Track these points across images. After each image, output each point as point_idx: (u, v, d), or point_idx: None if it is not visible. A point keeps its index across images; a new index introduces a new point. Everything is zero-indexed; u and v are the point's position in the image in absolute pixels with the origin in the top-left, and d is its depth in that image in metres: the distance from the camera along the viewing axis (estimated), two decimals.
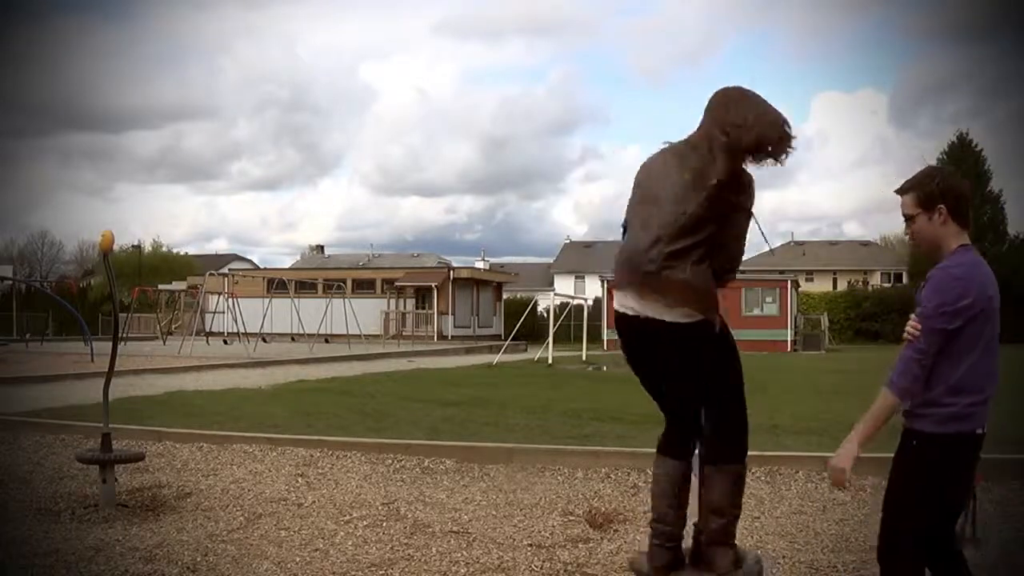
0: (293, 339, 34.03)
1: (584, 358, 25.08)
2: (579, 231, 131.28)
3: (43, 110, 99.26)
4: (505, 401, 12.15)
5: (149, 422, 9.44)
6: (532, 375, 19.04)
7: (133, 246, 63.54)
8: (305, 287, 39.47)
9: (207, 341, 31.49)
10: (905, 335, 3.03)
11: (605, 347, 35.54)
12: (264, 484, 6.79)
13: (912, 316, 3.06)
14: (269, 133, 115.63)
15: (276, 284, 38.04)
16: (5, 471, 7.30)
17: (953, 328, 2.96)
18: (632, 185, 3.73)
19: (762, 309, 35.85)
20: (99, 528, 5.46)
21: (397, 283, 43.20)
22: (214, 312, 34.48)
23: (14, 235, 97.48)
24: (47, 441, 8.73)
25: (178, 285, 41.12)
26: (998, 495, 6.13)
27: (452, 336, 41.72)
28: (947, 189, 3.11)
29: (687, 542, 3.85)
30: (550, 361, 23.44)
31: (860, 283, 54.94)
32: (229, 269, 44.06)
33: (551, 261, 77.12)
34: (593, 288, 50.22)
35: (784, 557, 4.81)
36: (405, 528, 5.45)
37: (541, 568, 4.65)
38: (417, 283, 43.78)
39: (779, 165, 3.50)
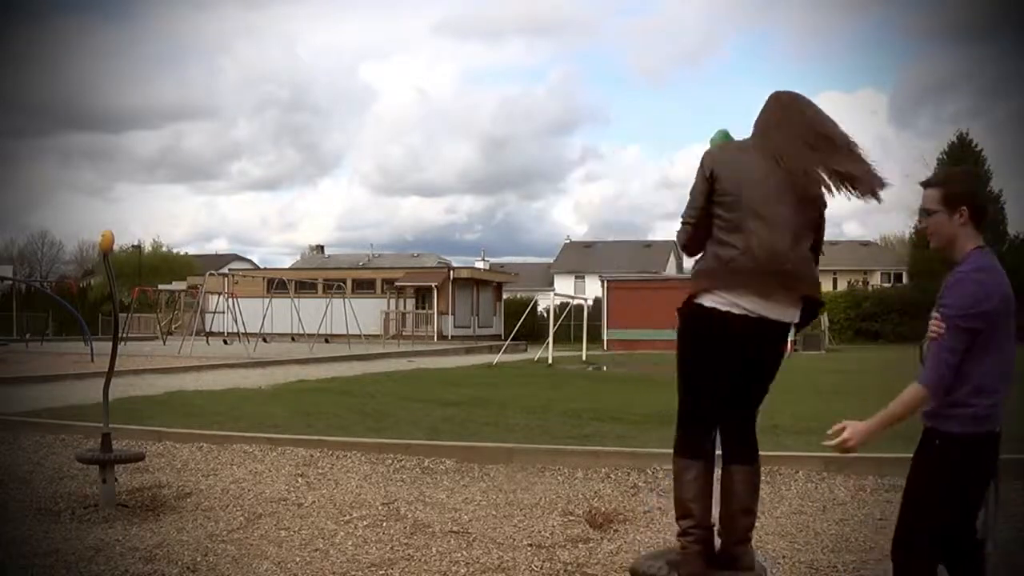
0: (293, 339, 34.03)
1: (584, 358, 25.08)
2: (579, 231, 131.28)
3: (43, 110, 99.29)
4: (505, 401, 12.15)
5: (149, 422, 9.44)
6: (532, 375, 19.04)
7: (133, 246, 63.57)
8: (305, 287, 39.48)
9: (207, 341, 31.49)
10: (930, 333, 3.06)
11: (605, 347, 35.57)
12: (264, 484, 6.79)
13: (934, 314, 3.08)
14: (269, 133, 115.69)
15: (276, 284, 38.05)
16: (5, 471, 7.30)
17: (978, 329, 3.01)
18: (704, 184, 3.66)
19: None
20: (99, 528, 5.46)
21: (397, 283, 43.20)
22: (214, 312, 34.48)
23: (14, 235, 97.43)
24: (47, 441, 8.73)
25: (178, 285, 41.13)
26: (1000, 494, 6.12)
27: (452, 336, 41.72)
28: (973, 193, 3.19)
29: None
30: (550, 361, 23.44)
31: (860, 283, 54.93)
32: (229, 269, 44.06)
33: (551, 261, 77.11)
34: (593, 288, 50.20)
35: (784, 557, 4.81)
36: (405, 528, 5.45)
37: (541, 568, 4.65)
38: (417, 283, 43.78)
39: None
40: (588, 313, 30.09)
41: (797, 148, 3.63)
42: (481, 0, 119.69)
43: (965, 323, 3.00)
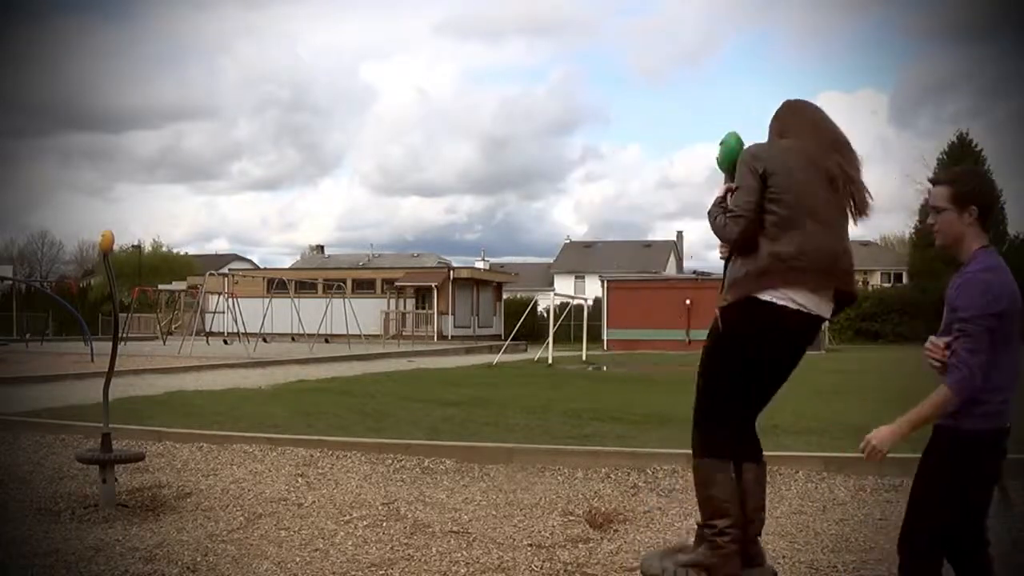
0: (293, 339, 34.04)
1: (584, 358, 25.07)
2: (579, 231, 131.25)
3: (43, 110, 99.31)
4: (505, 401, 12.14)
5: (149, 422, 9.44)
6: (532, 375, 19.04)
7: (133, 246, 63.58)
8: (305, 287, 39.48)
9: (207, 341, 31.49)
10: (931, 363, 3.09)
11: (605, 347, 35.56)
12: (264, 484, 6.78)
13: (930, 340, 3.12)
14: (269, 133, 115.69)
15: (276, 284, 38.06)
16: (5, 471, 7.29)
17: (993, 329, 3.03)
18: (756, 181, 3.71)
19: None
20: (99, 528, 5.46)
21: (397, 283, 43.21)
22: (214, 312, 34.49)
23: (14, 235, 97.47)
24: (47, 441, 8.73)
25: (178, 285, 41.14)
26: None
27: (452, 336, 41.72)
28: (983, 193, 3.19)
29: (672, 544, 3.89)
30: (550, 361, 23.43)
31: (860, 283, 54.95)
32: (229, 269, 44.07)
33: (551, 261, 77.13)
34: (593, 288, 50.20)
35: (784, 557, 4.81)
36: (405, 528, 5.45)
37: (541, 568, 4.65)
38: (417, 283, 43.79)
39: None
40: (588, 313, 30.09)
41: (836, 155, 3.81)
42: (481, 0, 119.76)
43: (983, 323, 3.02)
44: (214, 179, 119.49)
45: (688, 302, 34.01)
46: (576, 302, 34.71)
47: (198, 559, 4.77)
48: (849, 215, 3.82)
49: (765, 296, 3.66)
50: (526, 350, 31.66)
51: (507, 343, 29.65)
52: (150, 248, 69.66)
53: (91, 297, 49.78)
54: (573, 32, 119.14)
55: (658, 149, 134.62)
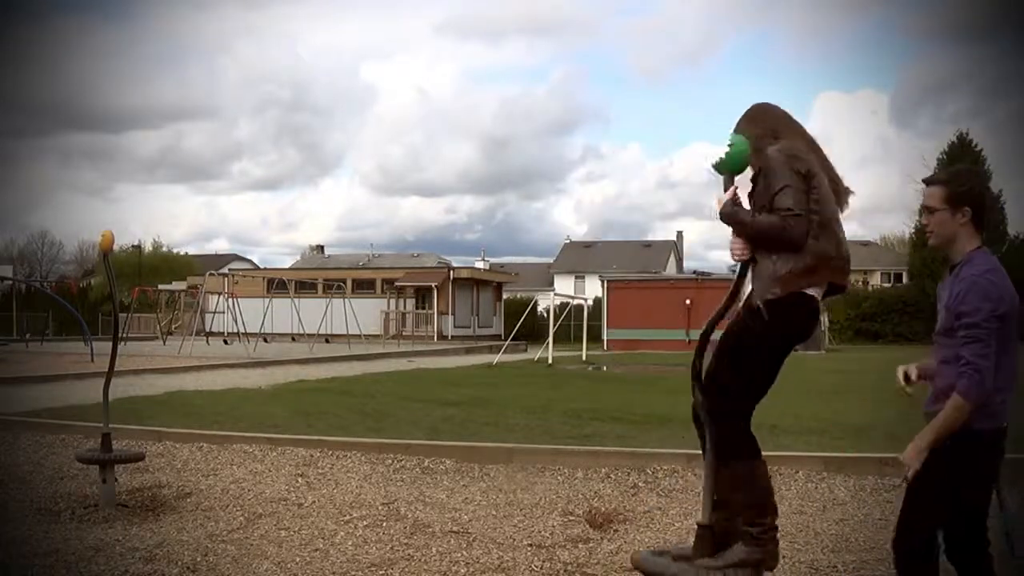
0: (293, 339, 34.04)
1: (584, 358, 25.07)
2: (579, 231, 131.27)
3: (43, 110, 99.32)
4: (505, 401, 12.14)
5: (149, 422, 9.44)
6: (532, 375, 19.04)
7: (133, 246, 63.60)
8: (305, 287, 39.48)
9: (207, 341, 31.48)
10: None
11: (605, 347, 35.56)
12: (264, 484, 6.79)
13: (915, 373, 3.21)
14: (270, 133, 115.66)
15: (276, 284, 38.06)
16: (5, 471, 7.30)
17: (996, 330, 3.04)
18: (803, 182, 3.77)
19: None
20: (99, 528, 5.47)
21: (397, 283, 43.21)
22: (214, 312, 34.49)
23: (14, 235, 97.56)
24: (47, 441, 8.73)
25: (178, 285, 41.15)
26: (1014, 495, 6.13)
27: (452, 336, 41.72)
28: (977, 194, 3.20)
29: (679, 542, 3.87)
30: (550, 361, 23.43)
31: (860, 283, 54.93)
32: (229, 269, 44.07)
33: (551, 261, 77.13)
34: (593, 288, 50.21)
35: (784, 557, 4.80)
36: (405, 528, 5.45)
37: (541, 568, 4.65)
38: (417, 283, 43.79)
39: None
40: (588, 313, 30.09)
41: (819, 153, 3.96)
42: (481, 0, 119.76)
43: (989, 326, 3.03)
44: (214, 179, 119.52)
45: (688, 302, 34.01)
46: (576, 302, 34.69)
47: (198, 559, 4.77)
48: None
49: (811, 291, 3.81)
50: (526, 350, 31.66)
51: (507, 343, 29.64)
52: (150, 248, 69.70)
53: (91, 297, 49.78)
54: (573, 32, 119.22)
55: (658, 149, 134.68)
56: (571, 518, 5.69)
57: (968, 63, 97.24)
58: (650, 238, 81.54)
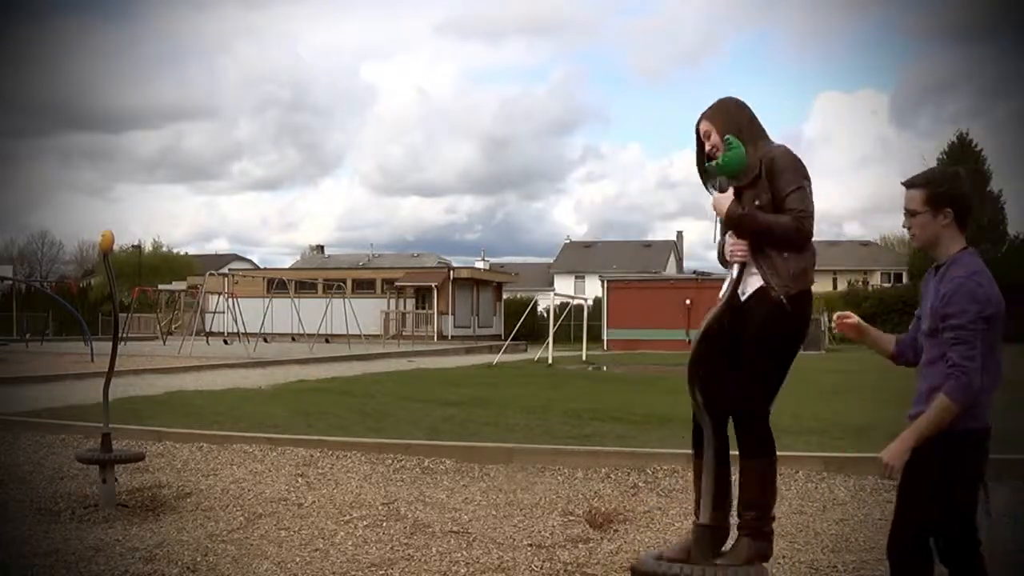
0: (293, 339, 34.04)
1: (584, 358, 25.07)
2: (579, 231, 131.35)
3: (43, 110, 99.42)
4: (505, 401, 12.14)
5: (149, 422, 9.44)
6: (532, 375, 19.04)
7: (133, 246, 63.60)
8: (305, 287, 39.48)
9: (207, 341, 31.48)
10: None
11: (605, 347, 35.55)
12: (264, 484, 6.78)
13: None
14: (270, 133, 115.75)
15: (276, 284, 38.06)
16: (5, 471, 7.30)
17: (984, 331, 3.04)
18: (804, 179, 3.91)
19: None
20: (99, 528, 5.46)
21: (397, 283, 43.21)
22: (214, 312, 34.49)
23: (14, 235, 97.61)
24: (47, 441, 8.73)
25: (178, 285, 41.14)
26: (1001, 494, 6.13)
27: (452, 336, 41.72)
28: (957, 195, 3.18)
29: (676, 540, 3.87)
30: (550, 361, 23.43)
31: (860, 283, 54.92)
32: (229, 269, 44.07)
33: (551, 261, 77.12)
34: (593, 288, 50.20)
35: (784, 557, 4.81)
36: (405, 528, 5.45)
37: (541, 568, 4.65)
38: (417, 283, 43.79)
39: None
40: (588, 313, 30.09)
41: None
42: (481, 0, 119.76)
43: (976, 327, 3.02)
44: (214, 179, 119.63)
45: (688, 302, 33.99)
46: (576, 302, 34.70)
47: (198, 559, 4.77)
48: None
49: (811, 289, 3.98)
50: (526, 350, 31.66)
51: (507, 343, 29.64)
52: (150, 248, 69.69)
53: (91, 297, 49.78)
54: (573, 32, 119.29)
55: (658, 149, 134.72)
56: (571, 518, 5.69)
57: (968, 63, 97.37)
58: (650, 238, 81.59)
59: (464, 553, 4.89)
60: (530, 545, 5.07)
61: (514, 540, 5.18)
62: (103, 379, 6.44)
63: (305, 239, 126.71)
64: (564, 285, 63.21)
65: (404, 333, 40.66)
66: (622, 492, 6.51)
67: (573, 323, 37.03)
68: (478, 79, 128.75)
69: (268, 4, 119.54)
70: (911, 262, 49.00)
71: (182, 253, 74.28)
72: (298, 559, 4.80)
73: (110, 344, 7.06)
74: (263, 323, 30.91)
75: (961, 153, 49.13)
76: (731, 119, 3.98)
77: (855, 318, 3.57)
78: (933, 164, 50.50)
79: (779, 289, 3.82)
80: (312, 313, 32.36)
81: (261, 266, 65.88)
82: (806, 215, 3.82)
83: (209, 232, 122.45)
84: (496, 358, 24.89)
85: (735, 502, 3.92)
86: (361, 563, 4.73)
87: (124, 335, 29.47)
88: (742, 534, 3.89)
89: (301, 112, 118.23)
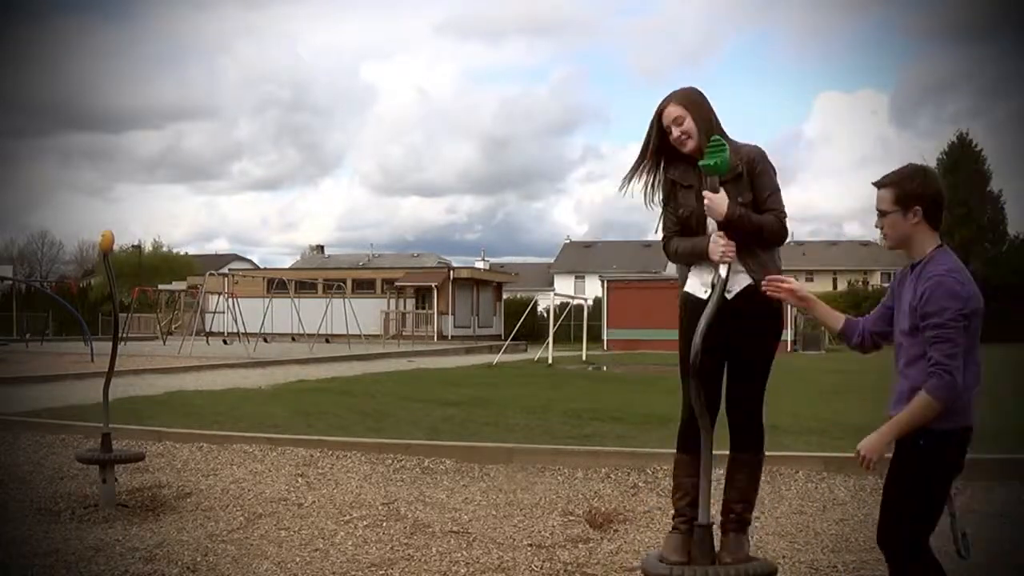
0: (293, 339, 34.03)
1: (584, 358, 25.07)
2: (579, 231, 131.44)
3: (43, 110, 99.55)
4: (505, 401, 12.14)
5: (149, 422, 9.44)
6: (532, 375, 19.04)
7: (133, 246, 63.64)
8: (305, 287, 39.48)
9: (207, 341, 31.48)
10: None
11: (605, 347, 35.55)
12: (264, 484, 6.78)
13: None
14: (270, 133, 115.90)
15: (276, 284, 38.07)
16: (5, 471, 7.30)
17: (964, 328, 3.04)
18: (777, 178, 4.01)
19: None
20: (99, 528, 5.46)
21: (397, 283, 43.21)
22: (214, 312, 34.49)
23: (14, 235, 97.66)
24: (47, 441, 8.73)
25: (178, 285, 41.16)
26: (1001, 494, 6.13)
27: (452, 336, 41.72)
28: (926, 191, 3.18)
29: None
30: (550, 361, 23.43)
31: (860, 283, 54.91)
32: (229, 269, 44.07)
33: (551, 261, 77.13)
34: (593, 288, 50.20)
35: (784, 557, 4.81)
36: (405, 528, 5.45)
37: (541, 568, 4.65)
38: (417, 283, 43.79)
39: None
40: (588, 313, 30.08)
41: None
42: (481, 0, 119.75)
43: (957, 325, 3.02)
44: (214, 179, 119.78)
45: None
46: (576, 302, 34.70)
47: (198, 559, 4.77)
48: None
49: None
50: (526, 350, 31.66)
51: (507, 343, 29.65)
52: (150, 248, 69.72)
53: (91, 297, 49.79)
54: (573, 32, 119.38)
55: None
56: (571, 518, 5.69)
57: (968, 63, 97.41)
58: (650, 238, 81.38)
59: (464, 553, 4.89)
60: (530, 545, 5.07)
61: (514, 540, 5.18)
62: (103, 379, 6.44)
63: (305, 239, 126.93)
64: (564, 285, 63.21)
65: (404, 333, 40.66)
66: (622, 492, 6.51)
67: (573, 323, 37.05)
68: (478, 79, 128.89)
69: (268, 4, 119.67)
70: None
71: (182, 253, 74.39)
72: (298, 559, 4.80)
73: (110, 344, 7.06)
74: (263, 323, 30.90)
75: (961, 153, 49.17)
76: (703, 111, 3.97)
77: (793, 283, 3.53)
78: (933, 164, 50.49)
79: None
80: (312, 313, 32.35)
81: (261, 266, 65.92)
82: (784, 215, 3.93)
83: (209, 232, 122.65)
84: (496, 358, 24.89)
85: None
86: (361, 563, 4.73)
87: (124, 335, 29.47)
88: (730, 528, 3.92)
89: (301, 112, 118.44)
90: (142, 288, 41.86)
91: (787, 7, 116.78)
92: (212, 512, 5.88)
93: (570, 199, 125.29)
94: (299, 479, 6.97)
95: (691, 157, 3.94)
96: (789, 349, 34.72)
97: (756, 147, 3.96)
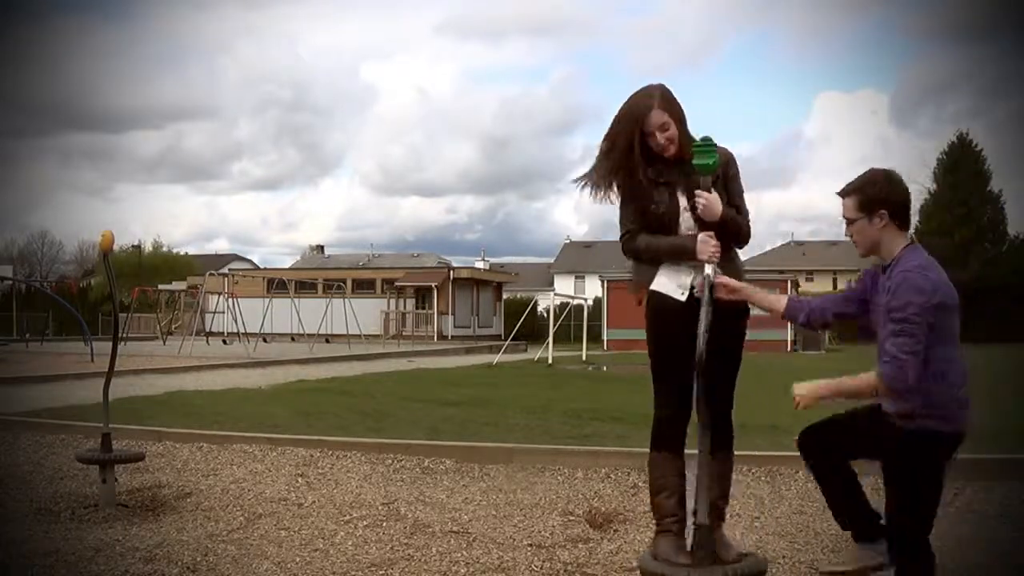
0: (293, 339, 34.04)
1: (584, 358, 25.07)
2: (579, 231, 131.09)
3: (43, 110, 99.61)
4: (505, 401, 12.14)
5: (149, 422, 9.44)
6: (532, 375, 19.04)
7: (133, 246, 63.68)
8: (305, 287, 39.49)
9: (207, 341, 31.49)
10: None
11: (605, 347, 35.53)
12: (264, 484, 6.78)
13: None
14: (270, 133, 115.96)
15: (276, 284, 38.08)
16: (5, 471, 7.30)
17: (933, 324, 3.04)
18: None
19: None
20: (99, 528, 5.46)
21: (397, 283, 43.21)
22: (214, 312, 34.51)
23: (14, 235, 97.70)
24: (47, 441, 8.73)
25: (178, 285, 41.16)
26: (1001, 494, 6.13)
27: (452, 336, 41.73)
28: (888, 194, 3.21)
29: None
30: (550, 361, 23.43)
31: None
32: (229, 269, 44.08)
33: (551, 261, 77.13)
34: (593, 288, 50.21)
35: (784, 557, 4.81)
36: (405, 528, 5.45)
37: (541, 568, 4.65)
38: (417, 283, 43.80)
39: None
40: (588, 313, 30.08)
41: None
42: (481, 0, 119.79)
43: (921, 319, 3.02)
44: (214, 179, 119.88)
45: None
46: (576, 302, 34.70)
47: (198, 559, 4.77)
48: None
49: None
50: (526, 350, 31.66)
51: (507, 343, 29.66)
52: (150, 248, 69.77)
53: (91, 297, 49.79)
54: (573, 32, 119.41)
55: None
56: (571, 518, 5.69)
57: (968, 63, 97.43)
58: None
59: (464, 553, 4.89)
60: (530, 545, 5.07)
61: (514, 540, 5.18)
62: (103, 379, 6.43)
63: (305, 239, 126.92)
64: (564, 285, 63.22)
65: (404, 333, 40.67)
66: (622, 492, 6.51)
67: (573, 323, 37.06)
68: (478, 79, 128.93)
69: (268, 4, 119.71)
70: None
71: (182, 253, 74.42)
72: (298, 559, 4.80)
73: (110, 344, 7.06)
74: (263, 323, 30.91)
75: (961, 153, 49.16)
76: (680, 113, 3.93)
77: (723, 278, 3.62)
78: (933, 164, 50.51)
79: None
80: (312, 313, 32.36)
81: (261, 266, 65.93)
82: (749, 219, 3.98)
83: (209, 232, 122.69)
84: (496, 358, 24.89)
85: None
86: (361, 563, 4.73)
87: (124, 335, 29.47)
88: (718, 525, 3.97)
89: (301, 112, 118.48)
90: (142, 288, 41.87)
91: (787, 7, 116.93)
92: (212, 512, 5.88)
93: (570, 199, 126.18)
94: (299, 479, 6.97)
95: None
96: (789, 349, 34.74)
97: (726, 149, 3.95)
